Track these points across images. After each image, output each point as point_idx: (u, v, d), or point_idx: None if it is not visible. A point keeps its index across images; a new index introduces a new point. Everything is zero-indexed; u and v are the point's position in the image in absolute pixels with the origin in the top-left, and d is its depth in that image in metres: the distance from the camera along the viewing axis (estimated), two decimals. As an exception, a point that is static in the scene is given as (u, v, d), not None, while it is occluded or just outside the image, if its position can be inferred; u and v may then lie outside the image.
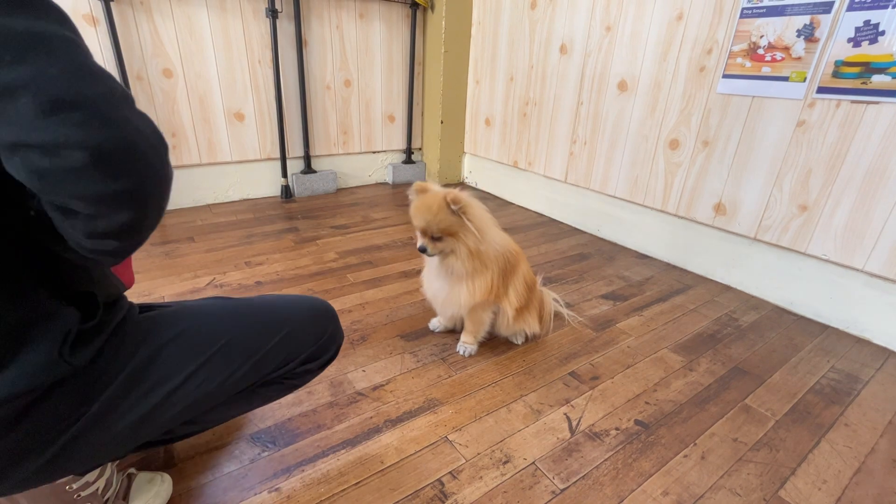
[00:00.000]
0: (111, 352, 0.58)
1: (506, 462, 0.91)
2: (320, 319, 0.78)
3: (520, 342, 1.31)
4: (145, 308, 0.68)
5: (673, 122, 1.77)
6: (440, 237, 1.03)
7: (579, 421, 1.03)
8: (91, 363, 0.55)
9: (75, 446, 0.55)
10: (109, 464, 0.74)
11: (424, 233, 1.04)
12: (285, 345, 0.72)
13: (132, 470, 0.79)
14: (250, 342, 0.68)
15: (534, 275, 1.30)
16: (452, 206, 0.99)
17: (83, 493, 0.69)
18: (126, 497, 0.75)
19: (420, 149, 2.96)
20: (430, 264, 1.17)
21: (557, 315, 1.42)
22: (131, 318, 0.62)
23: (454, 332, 1.34)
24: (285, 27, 2.22)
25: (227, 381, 0.66)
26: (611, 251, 2.01)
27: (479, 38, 2.57)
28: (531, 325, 1.27)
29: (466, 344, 1.25)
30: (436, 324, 1.34)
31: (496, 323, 1.25)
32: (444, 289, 1.14)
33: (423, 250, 1.05)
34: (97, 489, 0.71)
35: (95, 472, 0.71)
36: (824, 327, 1.48)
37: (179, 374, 0.62)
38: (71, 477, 0.67)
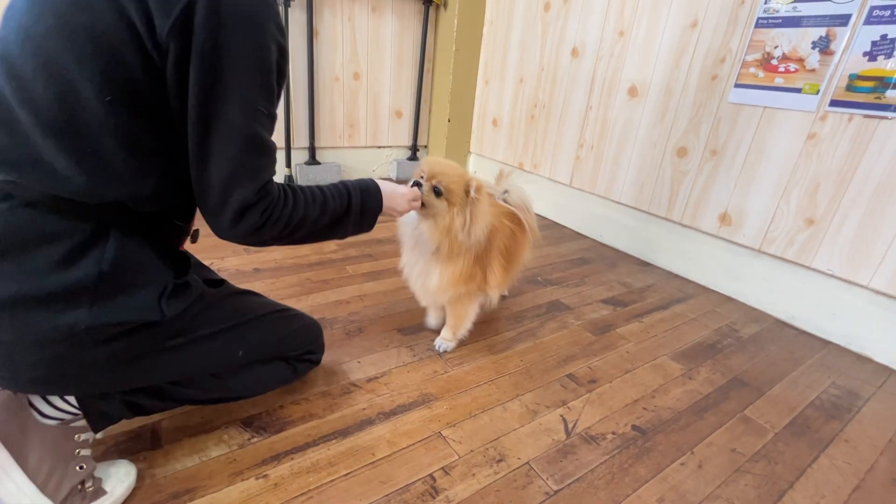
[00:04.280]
0: (192, 314, 0.71)
1: (499, 460, 0.89)
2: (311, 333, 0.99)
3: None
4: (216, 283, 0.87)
5: (682, 129, 1.75)
6: (440, 194, 0.99)
7: (576, 423, 1.01)
8: (175, 318, 0.66)
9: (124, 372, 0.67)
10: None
11: (430, 178, 1.00)
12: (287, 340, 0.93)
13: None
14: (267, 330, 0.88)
15: (512, 232, 1.19)
16: (472, 193, 0.99)
17: (83, 452, 0.70)
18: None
19: (426, 146, 2.95)
20: (405, 232, 1.11)
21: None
22: (209, 290, 0.78)
23: (452, 328, 1.32)
24: (297, 17, 2.21)
25: (239, 351, 0.82)
26: (613, 257, 1.99)
27: (490, 37, 2.57)
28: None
29: (444, 340, 1.20)
30: (432, 320, 1.33)
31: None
32: (416, 267, 1.10)
33: (418, 185, 1.00)
34: (91, 453, 0.72)
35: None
36: (825, 343, 1.47)
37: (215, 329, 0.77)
38: (84, 425, 0.70)
